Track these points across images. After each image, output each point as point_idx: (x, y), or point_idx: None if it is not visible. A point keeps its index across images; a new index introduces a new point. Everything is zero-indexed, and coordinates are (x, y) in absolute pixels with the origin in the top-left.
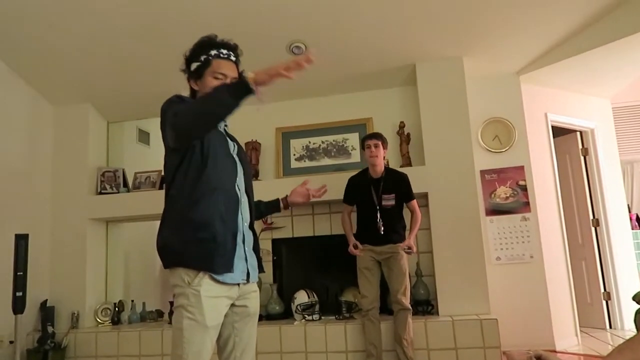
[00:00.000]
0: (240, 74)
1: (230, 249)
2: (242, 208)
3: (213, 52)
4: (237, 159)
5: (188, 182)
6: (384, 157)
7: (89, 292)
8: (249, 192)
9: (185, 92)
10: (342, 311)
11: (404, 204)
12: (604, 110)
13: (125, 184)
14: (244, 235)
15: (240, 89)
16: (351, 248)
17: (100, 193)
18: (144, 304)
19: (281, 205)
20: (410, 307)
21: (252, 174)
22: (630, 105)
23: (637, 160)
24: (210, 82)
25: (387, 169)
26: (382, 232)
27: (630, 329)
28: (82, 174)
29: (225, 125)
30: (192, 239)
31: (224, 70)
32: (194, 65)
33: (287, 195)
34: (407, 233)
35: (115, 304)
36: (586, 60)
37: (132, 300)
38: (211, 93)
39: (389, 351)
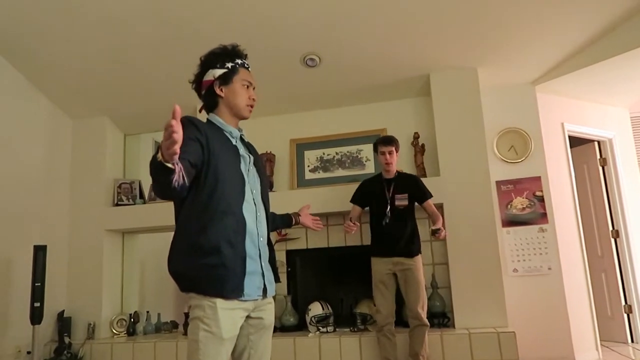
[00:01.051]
0: (153, 156)
1: (239, 273)
2: (259, 222)
3: (239, 61)
4: (254, 169)
5: (196, 208)
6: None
7: (105, 303)
8: (265, 203)
9: (199, 105)
10: (357, 323)
11: (422, 206)
12: (623, 119)
13: (142, 196)
14: (260, 251)
15: (156, 169)
16: (347, 222)
17: (117, 204)
18: (159, 315)
19: (293, 221)
20: (428, 323)
21: (268, 185)
22: None
23: None
24: (240, 89)
25: (399, 172)
26: (393, 233)
27: None
28: (99, 186)
29: (242, 135)
30: (202, 265)
31: (250, 79)
32: (219, 72)
33: (298, 212)
34: (424, 245)
35: (130, 314)
36: (603, 69)
37: (148, 311)
38: (151, 169)
39: None
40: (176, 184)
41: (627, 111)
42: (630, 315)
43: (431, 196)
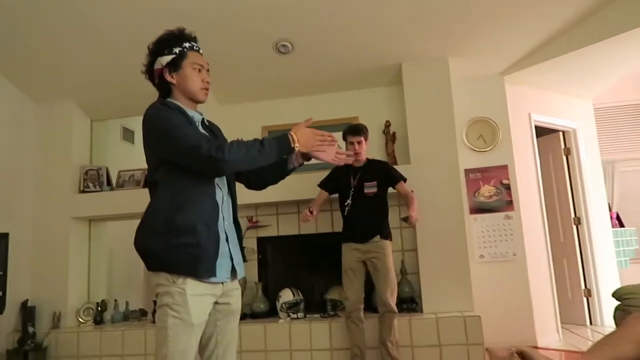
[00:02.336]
0: (286, 135)
1: (213, 253)
2: (223, 206)
3: (187, 45)
4: None
5: (174, 189)
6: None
7: (71, 292)
8: (231, 186)
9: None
10: (327, 309)
11: (396, 189)
12: (586, 110)
13: (109, 183)
14: (226, 234)
15: (285, 148)
16: (305, 211)
17: (83, 191)
18: (127, 303)
19: (290, 165)
20: (396, 310)
21: None
22: (612, 106)
23: (618, 160)
24: (192, 73)
25: (370, 160)
26: (363, 221)
27: (609, 325)
28: (65, 172)
29: (203, 118)
30: (176, 244)
31: (202, 62)
32: (167, 58)
33: (295, 147)
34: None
35: (97, 303)
36: (569, 61)
37: (115, 300)
38: (258, 144)
39: (374, 348)
40: (291, 165)
41: (591, 102)
42: (589, 298)
43: (404, 178)
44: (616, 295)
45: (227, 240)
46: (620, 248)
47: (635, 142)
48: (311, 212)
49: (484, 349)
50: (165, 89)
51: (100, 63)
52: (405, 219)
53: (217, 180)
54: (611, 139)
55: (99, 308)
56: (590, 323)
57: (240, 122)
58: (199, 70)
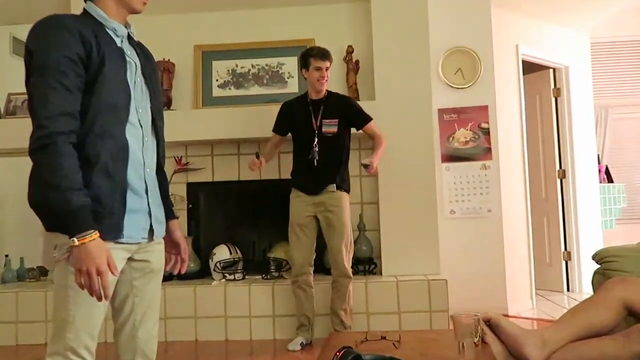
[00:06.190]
0: (87, 226)
1: (118, 209)
2: (145, 149)
3: None
4: (142, 80)
5: None
6: None
7: None
8: (157, 123)
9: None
10: (271, 270)
11: (363, 131)
12: (582, 45)
13: None
14: (146, 184)
15: (71, 226)
16: (253, 157)
17: None
18: (21, 259)
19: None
20: (351, 275)
21: (162, 102)
22: (610, 41)
23: (613, 105)
24: None
25: (330, 93)
26: (318, 166)
27: (588, 292)
28: None
29: (130, 32)
30: None
31: None
32: None
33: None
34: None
35: None
36: None
37: (7, 255)
38: (69, 190)
39: (323, 315)
40: None
41: (588, 36)
42: (569, 262)
43: (371, 118)
44: (596, 257)
45: (146, 191)
46: (606, 206)
47: (634, 86)
48: (260, 160)
49: (449, 316)
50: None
51: None
52: (366, 166)
53: (139, 116)
54: (607, 80)
55: None
56: (568, 289)
57: (167, 39)
58: None
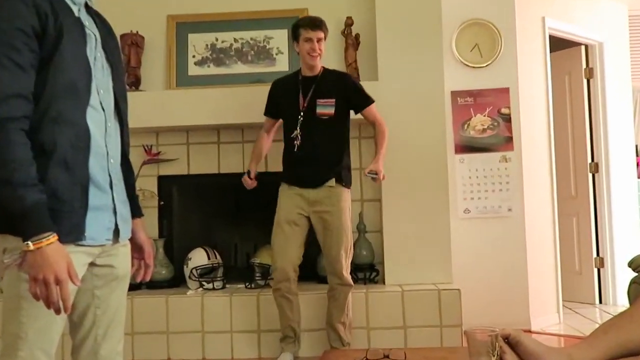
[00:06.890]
0: (45, 228)
1: (78, 207)
2: (108, 136)
3: None
4: (102, 55)
5: None
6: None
7: None
8: (120, 105)
9: None
10: (255, 278)
11: (362, 115)
12: (619, 18)
13: None
14: (110, 177)
15: (26, 226)
16: (245, 177)
17: None
18: None
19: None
20: (352, 283)
21: (125, 81)
22: None
23: None
24: None
25: (326, 69)
26: (301, 153)
27: (623, 305)
28: None
29: (88, 1)
30: None
31: None
32: None
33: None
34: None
35: None
36: None
37: None
38: (14, 171)
39: (315, 330)
40: None
41: (626, 7)
42: (602, 270)
43: (373, 101)
44: (633, 265)
45: (110, 185)
46: None
47: None
48: (250, 176)
49: (462, 332)
50: None
51: None
52: (373, 178)
53: (101, 98)
54: None
55: None
56: (600, 301)
57: (135, 8)
58: None
